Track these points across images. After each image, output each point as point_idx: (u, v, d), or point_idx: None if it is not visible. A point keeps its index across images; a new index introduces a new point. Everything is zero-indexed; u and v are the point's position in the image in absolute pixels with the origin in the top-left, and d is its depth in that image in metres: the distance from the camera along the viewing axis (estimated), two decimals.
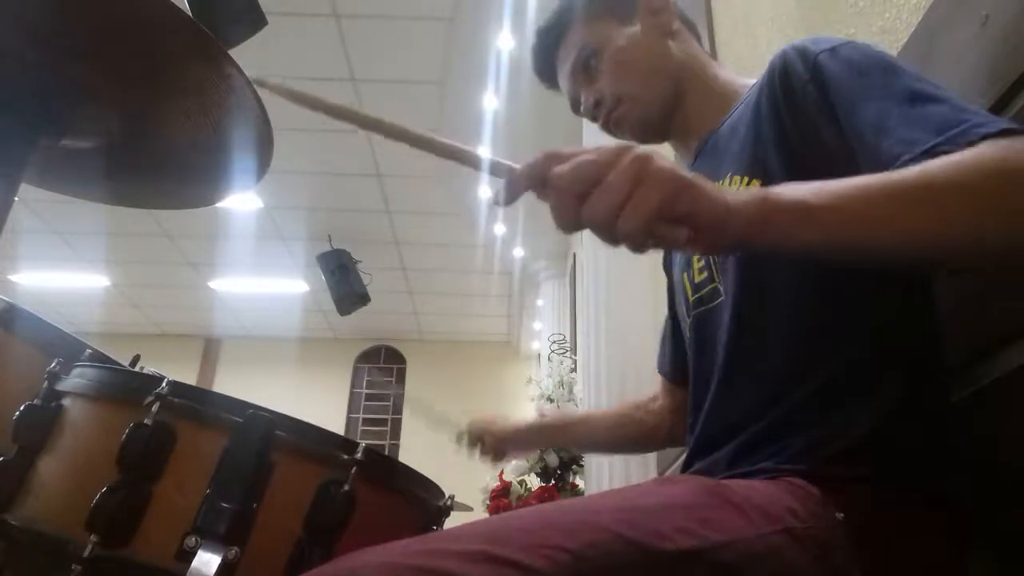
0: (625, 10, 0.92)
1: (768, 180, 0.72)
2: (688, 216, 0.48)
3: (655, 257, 1.11)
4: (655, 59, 0.91)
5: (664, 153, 0.56)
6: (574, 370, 4.00)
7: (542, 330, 6.66)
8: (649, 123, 0.93)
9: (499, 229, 5.97)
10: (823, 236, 0.51)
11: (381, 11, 3.85)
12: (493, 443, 1.11)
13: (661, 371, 1.09)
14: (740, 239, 0.50)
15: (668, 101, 0.91)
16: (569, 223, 0.50)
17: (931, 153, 0.55)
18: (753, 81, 0.82)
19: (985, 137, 0.54)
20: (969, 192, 0.51)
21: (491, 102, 4.37)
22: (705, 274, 0.81)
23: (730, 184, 0.77)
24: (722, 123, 0.85)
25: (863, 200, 0.51)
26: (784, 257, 0.70)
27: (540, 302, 6.84)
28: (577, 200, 0.48)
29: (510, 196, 0.52)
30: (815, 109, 0.68)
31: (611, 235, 0.48)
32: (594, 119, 0.96)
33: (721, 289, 0.78)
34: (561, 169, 0.49)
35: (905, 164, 0.56)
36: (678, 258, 0.92)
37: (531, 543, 0.48)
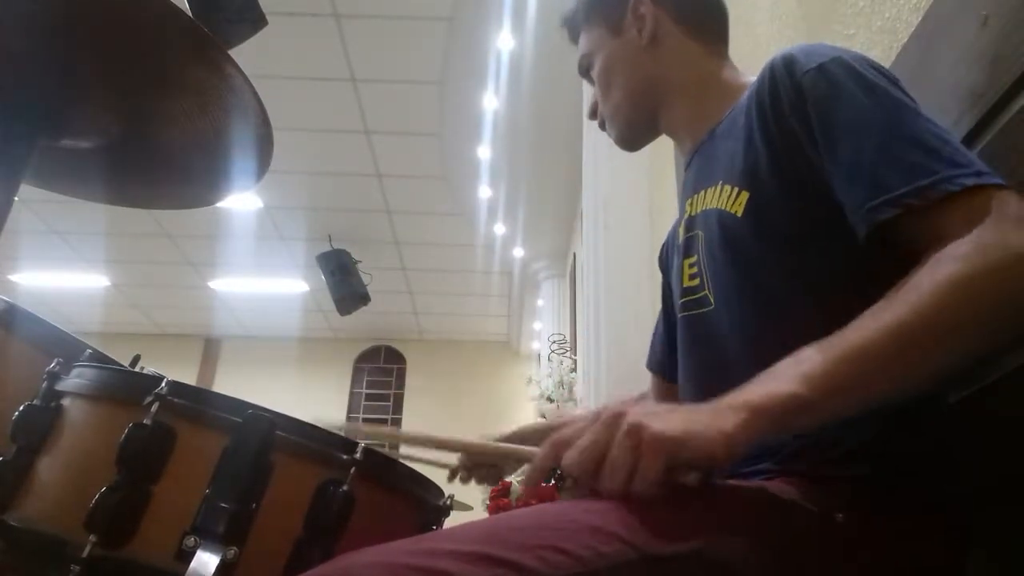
0: (615, 20, 0.93)
1: (758, 192, 0.72)
2: (694, 462, 0.51)
3: (655, 257, 1.11)
4: (634, 75, 0.92)
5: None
6: (574, 370, 4.00)
7: (542, 330, 6.66)
8: (633, 134, 0.97)
9: (499, 229, 5.97)
10: (818, 418, 0.53)
11: (381, 11, 3.85)
12: (486, 461, 1.03)
13: (652, 368, 1.08)
14: (747, 449, 0.52)
15: (649, 113, 0.94)
16: (591, 494, 0.54)
17: (895, 203, 0.58)
18: (755, 79, 0.81)
19: (951, 194, 0.56)
20: (942, 330, 0.52)
21: (491, 102, 4.37)
22: (697, 281, 0.81)
23: (720, 192, 0.77)
24: (718, 124, 0.85)
25: (851, 373, 0.52)
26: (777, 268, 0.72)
27: (540, 302, 6.84)
28: (592, 478, 0.52)
29: (534, 483, 0.58)
30: (800, 129, 0.67)
31: (630, 494, 0.52)
32: (593, 119, 1.01)
33: (711, 298, 0.78)
34: (568, 457, 0.54)
35: (871, 212, 0.59)
36: (674, 259, 0.92)
37: (527, 543, 0.49)
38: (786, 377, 0.53)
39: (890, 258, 0.60)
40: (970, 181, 0.56)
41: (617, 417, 0.52)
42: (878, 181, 0.59)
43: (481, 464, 1.02)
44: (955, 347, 0.53)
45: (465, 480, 1.02)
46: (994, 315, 0.52)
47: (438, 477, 0.80)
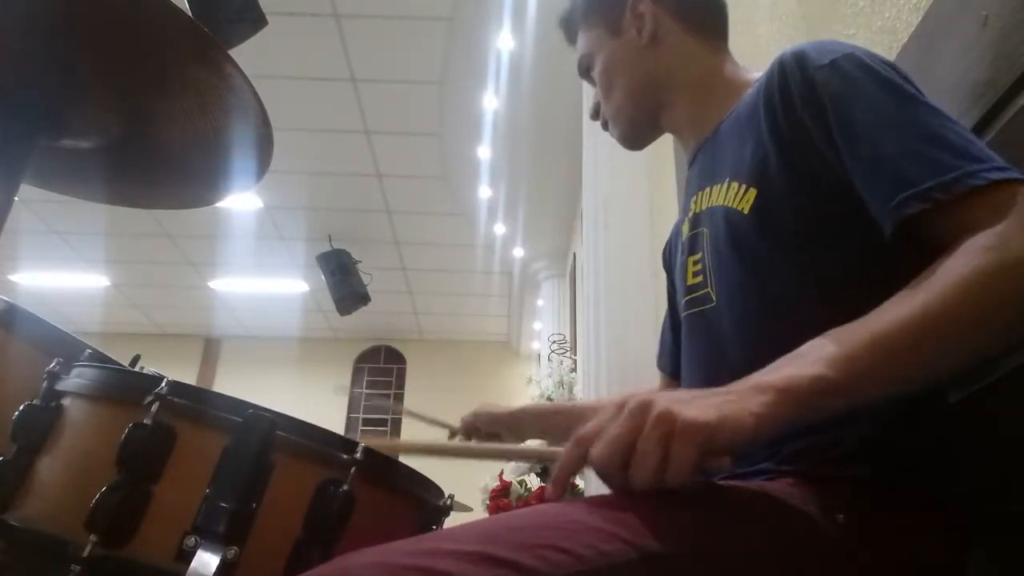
0: (614, 20, 0.92)
1: (767, 188, 0.71)
2: (727, 449, 0.50)
3: (655, 257, 1.11)
4: (634, 75, 0.92)
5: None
6: (574, 370, 4.01)
7: (542, 330, 6.66)
8: (636, 133, 0.97)
9: (499, 229, 5.96)
10: (844, 402, 0.52)
11: (381, 11, 3.85)
12: (486, 429, 1.06)
13: (661, 367, 1.09)
14: (775, 431, 0.51)
15: (652, 112, 0.93)
16: (620, 488, 0.52)
17: (922, 197, 0.57)
18: (758, 75, 0.80)
19: (976, 188, 0.55)
20: (965, 321, 0.52)
21: (491, 102, 4.37)
22: (700, 278, 0.81)
23: (727, 189, 0.77)
24: (722, 121, 0.84)
25: (875, 357, 0.52)
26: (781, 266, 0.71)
27: (540, 302, 6.84)
28: (620, 472, 0.51)
29: (561, 490, 0.55)
30: (813, 125, 0.67)
31: (662, 486, 0.50)
32: (595, 120, 1.00)
33: (713, 295, 0.78)
34: (595, 451, 0.51)
35: (897, 207, 0.58)
36: (678, 257, 0.92)
37: (527, 543, 0.48)
38: (811, 359, 0.53)
39: (897, 256, 0.60)
40: (995, 175, 0.56)
41: (644, 407, 0.50)
42: (903, 177, 0.59)
43: (480, 430, 1.03)
44: (977, 337, 0.53)
45: (467, 439, 1.03)
46: (1014, 308, 0.52)
47: (438, 469, 0.80)
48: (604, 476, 0.52)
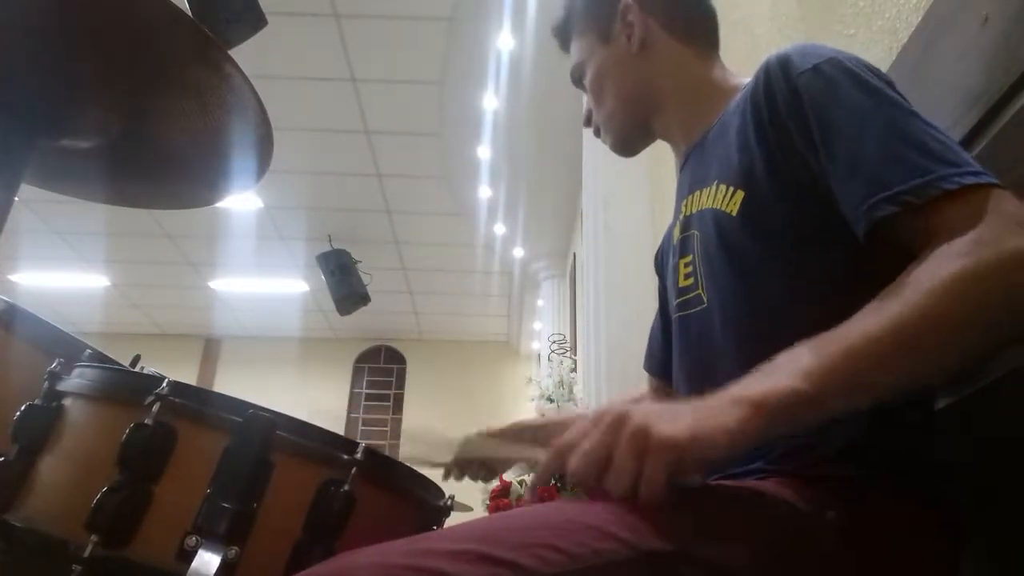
0: (605, 27, 0.93)
1: (754, 192, 0.72)
2: (699, 466, 0.50)
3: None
4: (625, 82, 0.92)
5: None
6: (574, 370, 4.01)
7: (542, 330, 6.66)
8: (627, 140, 0.98)
9: (499, 229, 5.97)
10: (820, 414, 0.52)
11: (381, 11, 3.85)
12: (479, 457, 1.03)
13: (649, 370, 1.08)
14: (750, 446, 0.51)
15: (642, 119, 0.94)
16: (597, 493, 0.53)
17: (893, 200, 0.57)
18: (747, 80, 0.80)
19: (948, 192, 0.56)
20: (942, 327, 0.52)
21: (491, 102, 4.37)
22: (691, 280, 0.81)
23: (715, 192, 0.77)
24: (711, 126, 0.85)
25: (851, 369, 0.52)
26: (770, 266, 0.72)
27: (540, 302, 6.84)
28: (597, 484, 0.51)
29: (536, 490, 0.59)
30: (796, 129, 0.67)
31: (636, 497, 0.51)
32: (588, 127, 1.02)
33: (704, 297, 0.78)
34: (574, 463, 0.52)
35: (870, 209, 0.59)
36: (669, 259, 0.92)
37: (523, 542, 0.49)
38: (786, 372, 0.52)
39: (886, 259, 0.60)
40: (968, 180, 0.56)
41: (621, 420, 0.51)
42: (877, 179, 0.59)
43: (473, 461, 1.02)
44: (954, 344, 0.53)
45: (458, 478, 1.02)
46: (991, 313, 0.52)
47: (434, 477, 0.81)
48: (580, 486, 0.53)
